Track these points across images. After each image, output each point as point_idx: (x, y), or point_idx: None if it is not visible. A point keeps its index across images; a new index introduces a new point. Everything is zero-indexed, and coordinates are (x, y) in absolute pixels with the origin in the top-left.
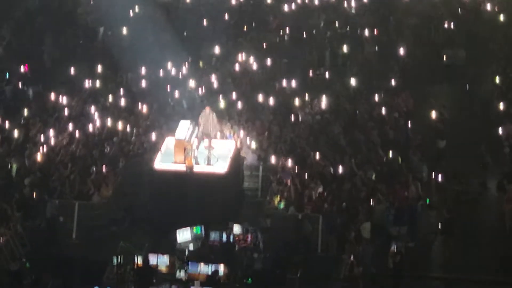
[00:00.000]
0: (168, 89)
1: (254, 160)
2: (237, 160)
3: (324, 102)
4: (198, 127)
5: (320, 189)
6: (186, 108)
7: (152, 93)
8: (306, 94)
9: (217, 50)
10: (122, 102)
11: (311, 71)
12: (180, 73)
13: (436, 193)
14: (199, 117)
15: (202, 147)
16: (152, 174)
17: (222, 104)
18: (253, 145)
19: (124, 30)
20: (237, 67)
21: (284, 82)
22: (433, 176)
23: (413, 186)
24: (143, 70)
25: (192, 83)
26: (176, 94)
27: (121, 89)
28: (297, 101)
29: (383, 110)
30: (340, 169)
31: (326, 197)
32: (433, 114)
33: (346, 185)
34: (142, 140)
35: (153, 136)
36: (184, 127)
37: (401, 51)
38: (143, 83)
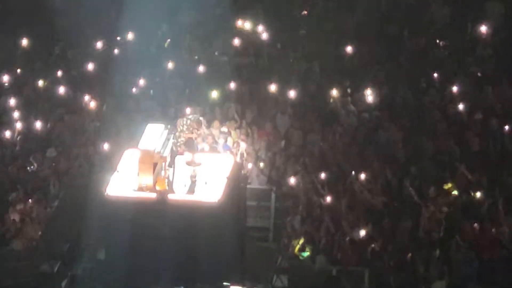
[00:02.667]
0: (130, 74)
1: (262, 184)
2: (236, 184)
3: (372, 94)
4: (176, 133)
5: (366, 230)
6: (157, 104)
7: (104, 80)
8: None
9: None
10: (58, 92)
11: (350, 47)
12: (149, 47)
13: None
14: (178, 119)
15: (183, 163)
16: (103, 205)
17: (214, 95)
18: (262, 160)
19: None
20: (237, 39)
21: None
22: None
23: (507, 227)
24: (92, 43)
25: (169, 64)
26: (142, 81)
27: (57, 72)
28: (332, 93)
29: (463, 107)
30: (397, 198)
31: (375, 242)
32: None
33: (406, 224)
34: (88, 152)
35: (105, 147)
36: (154, 133)
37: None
38: (90, 64)
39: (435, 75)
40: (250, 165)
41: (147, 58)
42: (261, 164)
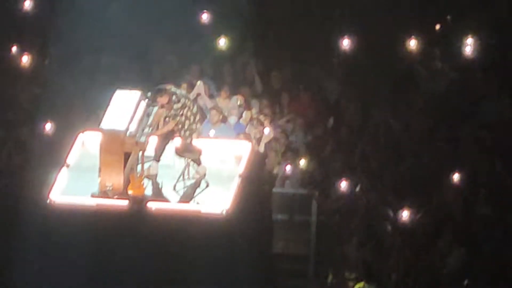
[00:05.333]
0: (87, 8)
1: (298, 187)
2: (256, 187)
3: (475, 44)
4: (158, 105)
5: (459, 257)
6: (130, 58)
7: (45, 20)
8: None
9: None
10: None
11: None
12: None
13: None
14: (161, 90)
15: (170, 152)
16: (43, 218)
17: (222, 44)
18: (296, 149)
19: None
20: None
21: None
22: None
23: None
24: None
25: None
26: (106, 20)
27: None
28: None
29: None
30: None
31: (472, 276)
32: None
33: None
34: (21, 136)
35: (48, 127)
36: (124, 105)
37: None
38: None
39: None
40: (277, 157)
41: None
42: (297, 157)
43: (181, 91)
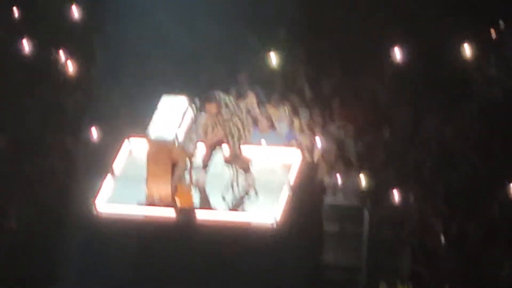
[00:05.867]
0: (134, 15)
1: (350, 198)
2: (306, 198)
3: None
4: (207, 112)
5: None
6: (177, 65)
7: (90, 28)
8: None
9: None
10: (15, 45)
11: None
12: None
13: None
14: (210, 96)
15: (218, 161)
16: (90, 229)
17: (272, 56)
18: (348, 158)
19: None
20: None
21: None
22: None
23: None
24: None
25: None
26: (154, 27)
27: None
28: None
29: None
30: None
31: None
32: None
33: None
34: (66, 144)
35: (94, 135)
36: (171, 112)
37: None
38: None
39: None
40: (328, 167)
41: None
42: (349, 166)
43: (230, 98)
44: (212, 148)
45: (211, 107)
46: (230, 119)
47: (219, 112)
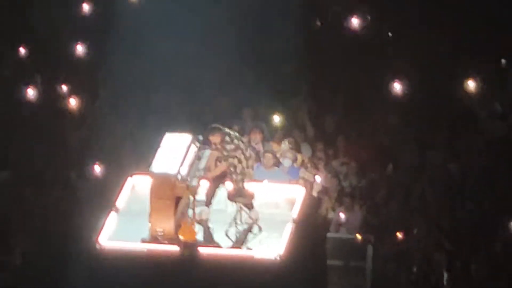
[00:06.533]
0: (138, 48)
1: (353, 232)
2: (310, 232)
3: None
4: (211, 144)
5: None
6: (181, 101)
7: (95, 62)
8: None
9: None
10: (19, 81)
11: None
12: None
13: None
14: (214, 128)
15: (222, 196)
16: (92, 263)
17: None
18: (351, 192)
19: None
20: None
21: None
22: None
23: None
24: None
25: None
26: (157, 61)
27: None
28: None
29: None
30: None
31: None
32: None
33: None
34: (70, 179)
35: (97, 170)
36: (174, 148)
37: None
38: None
39: None
40: (331, 202)
41: (165, 20)
42: (352, 202)
43: (235, 132)
44: (215, 184)
45: (215, 138)
46: (234, 154)
47: (222, 146)
